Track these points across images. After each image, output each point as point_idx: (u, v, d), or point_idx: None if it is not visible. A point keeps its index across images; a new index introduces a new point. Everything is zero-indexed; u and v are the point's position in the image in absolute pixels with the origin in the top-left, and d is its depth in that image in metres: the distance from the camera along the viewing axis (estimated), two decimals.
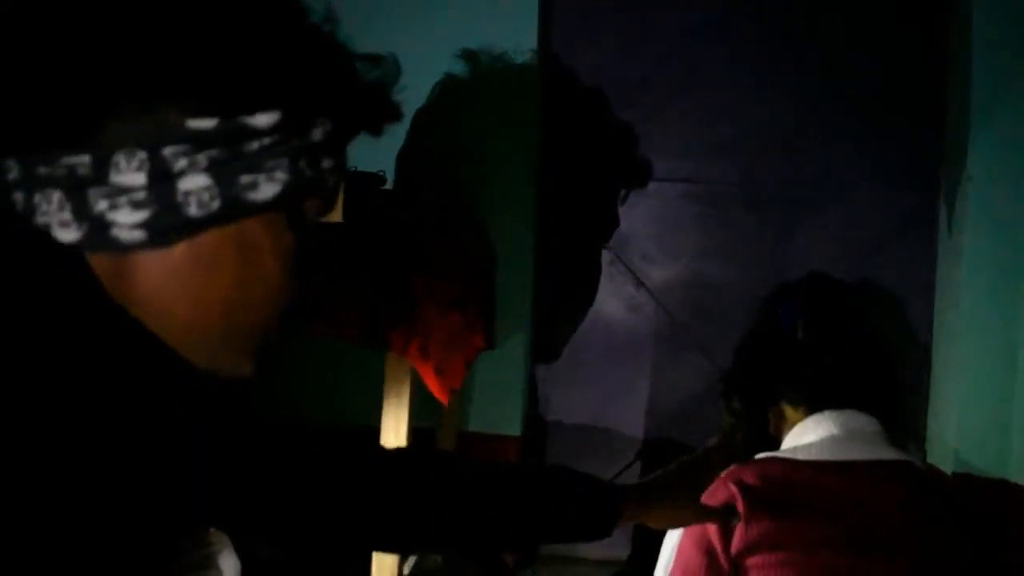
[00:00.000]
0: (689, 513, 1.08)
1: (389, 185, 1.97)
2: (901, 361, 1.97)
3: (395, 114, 0.68)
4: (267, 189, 0.62)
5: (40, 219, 0.60)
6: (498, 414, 2.28)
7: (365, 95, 0.66)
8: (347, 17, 0.69)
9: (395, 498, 0.91)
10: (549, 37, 2.30)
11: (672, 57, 2.29)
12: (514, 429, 2.29)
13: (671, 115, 2.30)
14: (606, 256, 2.35)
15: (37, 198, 0.60)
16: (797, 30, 2.24)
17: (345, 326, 1.65)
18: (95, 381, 0.61)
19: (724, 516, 1.13)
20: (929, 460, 2.11)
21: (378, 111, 0.68)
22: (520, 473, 1.02)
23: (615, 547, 2.33)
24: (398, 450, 1.02)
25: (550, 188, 2.31)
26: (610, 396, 2.35)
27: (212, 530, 1.53)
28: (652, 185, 2.32)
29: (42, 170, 0.60)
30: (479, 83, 2.19)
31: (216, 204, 0.61)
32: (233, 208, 0.62)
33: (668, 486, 1.07)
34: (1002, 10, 1.93)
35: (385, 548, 1.37)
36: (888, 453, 1.22)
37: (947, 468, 1.98)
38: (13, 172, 0.61)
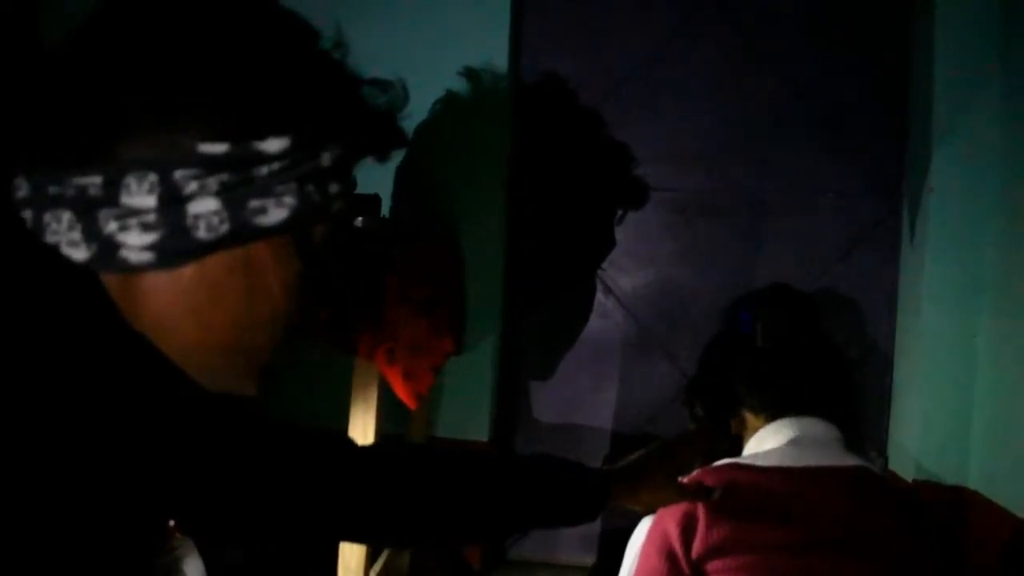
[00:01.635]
0: (671, 493, 1.10)
1: (385, 206, 1.96)
2: (860, 369, 2.01)
3: (402, 140, 0.69)
4: (276, 214, 0.63)
5: (49, 238, 0.61)
6: (466, 419, 2.29)
7: (374, 121, 0.67)
8: (319, 22, 0.69)
9: (379, 489, 0.91)
10: (520, 46, 2.32)
11: (641, 68, 2.31)
12: (482, 434, 2.29)
13: (639, 124, 2.32)
14: (575, 263, 2.37)
15: (47, 217, 0.61)
16: (764, 43, 2.27)
17: (312, 329, 1.64)
18: (98, 390, 0.61)
19: (703, 495, 1.13)
20: (891, 467, 2.14)
21: (386, 137, 0.69)
22: (506, 459, 1.02)
23: (581, 551, 2.34)
24: (383, 441, 1.02)
25: (520, 194, 2.32)
26: (578, 401, 2.36)
27: (176, 535, 1.52)
28: (620, 192, 2.34)
29: (52, 189, 0.60)
30: (450, 91, 2.20)
31: (225, 228, 0.62)
32: (242, 232, 0.62)
33: (650, 467, 1.09)
34: (963, 26, 1.97)
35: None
36: (846, 459, 1.24)
37: (908, 475, 2.01)
38: (22, 190, 0.61)
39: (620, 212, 2.34)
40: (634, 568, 1.24)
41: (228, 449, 0.79)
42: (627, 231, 2.35)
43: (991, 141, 1.93)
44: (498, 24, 2.24)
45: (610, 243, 2.35)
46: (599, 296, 2.36)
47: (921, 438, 1.99)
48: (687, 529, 1.17)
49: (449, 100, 2.20)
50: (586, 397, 2.36)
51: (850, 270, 2.24)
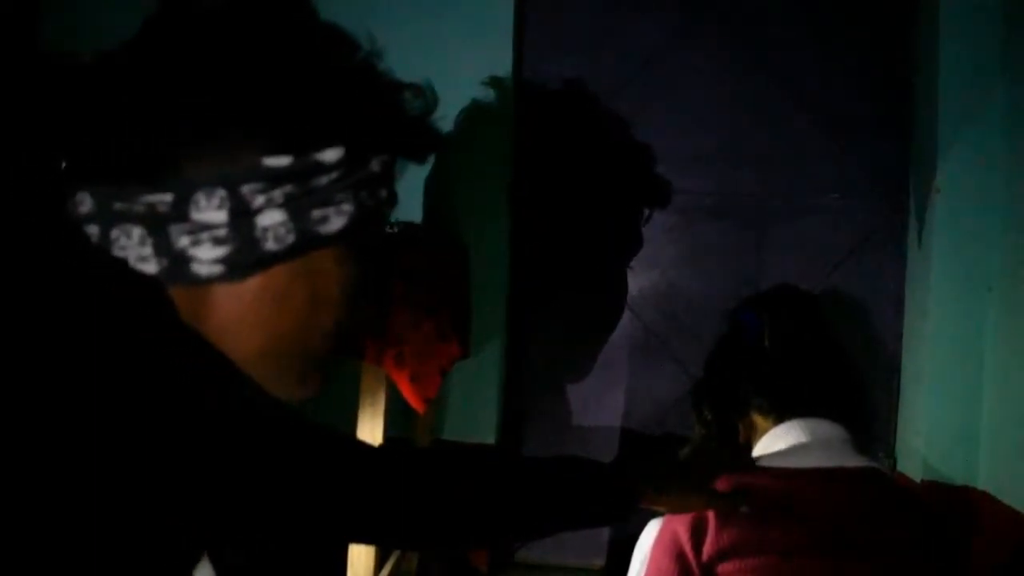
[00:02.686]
0: (702, 498, 1.09)
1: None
2: (867, 370, 2.01)
3: (440, 143, 0.72)
4: (336, 221, 0.65)
5: (117, 253, 0.62)
6: (473, 422, 2.29)
7: (414, 126, 0.70)
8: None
9: (396, 489, 0.90)
10: (522, 49, 2.32)
11: (643, 70, 2.31)
12: (489, 437, 2.29)
13: (642, 127, 2.32)
14: (579, 265, 2.37)
15: (115, 232, 0.62)
16: (768, 45, 2.27)
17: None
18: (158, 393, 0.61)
19: (733, 503, 1.12)
20: (899, 468, 2.13)
21: (425, 140, 0.71)
22: (528, 460, 1.01)
23: (589, 554, 2.34)
24: (394, 444, 1.01)
25: (524, 196, 2.32)
26: (584, 404, 2.36)
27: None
28: (625, 195, 2.34)
29: (119, 206, 0.62)
30: (452, 94, 2.20)
31: (291, 238, 0.64)
32: (306, 241, 0.64)
33: (683, 470, 1.09)
34: (967, 25, 1.97)
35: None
36: (855, 460, 1.23)
37: (916, 475, 2.00)
38: (86, 205, 0.63)
39: (624, 214, 2.34)
40: (643, 571, 1.23)
41: (253, 448, 0.79)
42: (631, 233, 2.34)
43: (997, 140, 1.93)
44: (501, 27, 2.24)
45: (614, 245, 2.35)
46: (604, 298, 2.36)
47: (929, 439, 1.99)
48: (696, 531, 1.16)
49: (452, 103, 2.20)
50: (592, 400, 2.36)
51: (856, 271, 2.24)
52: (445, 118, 0.73)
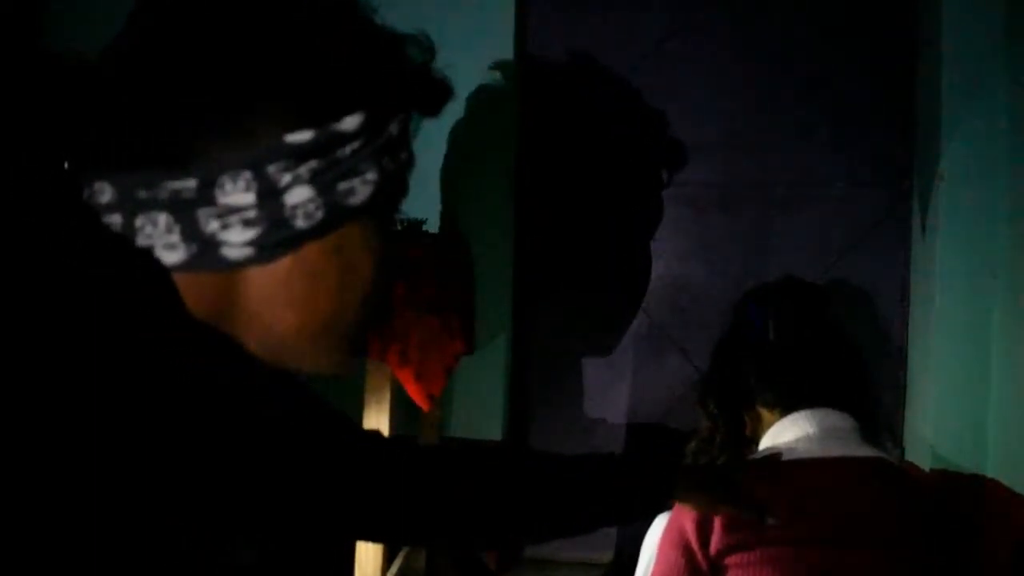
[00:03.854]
0: (731, 501, 1.09)
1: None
2: (873, 359, 2.00)
3: (450, 92, 0.70)
4: (362, 192, 0.64)
5: (142, 241, 0.61)
6: (479, 419, 2.29)
7: (423, 80, 0.68)
8: None
9: (415, 485, 0.89)
10: (525, 42, 2.31)
11: (646, 62, 2.31)
12: (495, 433, 2.29)
13: (646, 119, 2.31)
14: (584, 258, 2.36)
15: (140, 220, 0.61)
16: (771, 34, 2.26)
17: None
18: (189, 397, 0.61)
19: (759, 515, 1.11)
20: (908, 457, 2.13)
21: (435, 92, 0.69)
22: (577, 458, 1.00)
23: (598, 549, 2.33)
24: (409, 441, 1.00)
25: (528, 190, 2.32)
26: (591, 398, 2.36)
27: None
28: (629, 187, 2.33)
29: (143, 193, 0.60)
30: (455, 89, 2.19)
31: (320, 214, 0.63)
32: (336, 216, 0.63)
33: (719, 476, 1.10)
34: (970, 10, 1.96)
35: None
36: (863, 450, 1.23)
37: (925, 465, 2.00)
38: (107, 195, 0.62)
39: (628, 206, 2.33)
40: (651, 565, 1.23)
41: (256, 446, 0.78)
42: (636, 225, 2.34)
43: (1000, 126, 1.92)
44: (503, 19, 2.23)
45: (619, 237, 2.34)
46: (609, 291, 2.36)
47: (937, 428, 1.98)
48: (703, 524, 1.16)
49: (454, 98, 2.19)
50: (599, 393, 2.35)
51: (861, 260, 2.23)
52: (446, 111, 0.72)
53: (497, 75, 2.23)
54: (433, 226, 2.10)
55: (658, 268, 2.34)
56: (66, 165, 0.64)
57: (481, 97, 2.22)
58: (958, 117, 1.96)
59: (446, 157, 2.20)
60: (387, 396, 1.71)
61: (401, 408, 1.76)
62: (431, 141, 2.16)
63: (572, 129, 2.34)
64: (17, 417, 0.55)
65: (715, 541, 1.15)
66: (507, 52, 2.23)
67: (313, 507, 0.81)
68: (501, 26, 2.24)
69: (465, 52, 2.19)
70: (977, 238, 1.95)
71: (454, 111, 2.19)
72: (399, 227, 1.87)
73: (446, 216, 2.22)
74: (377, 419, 1.72)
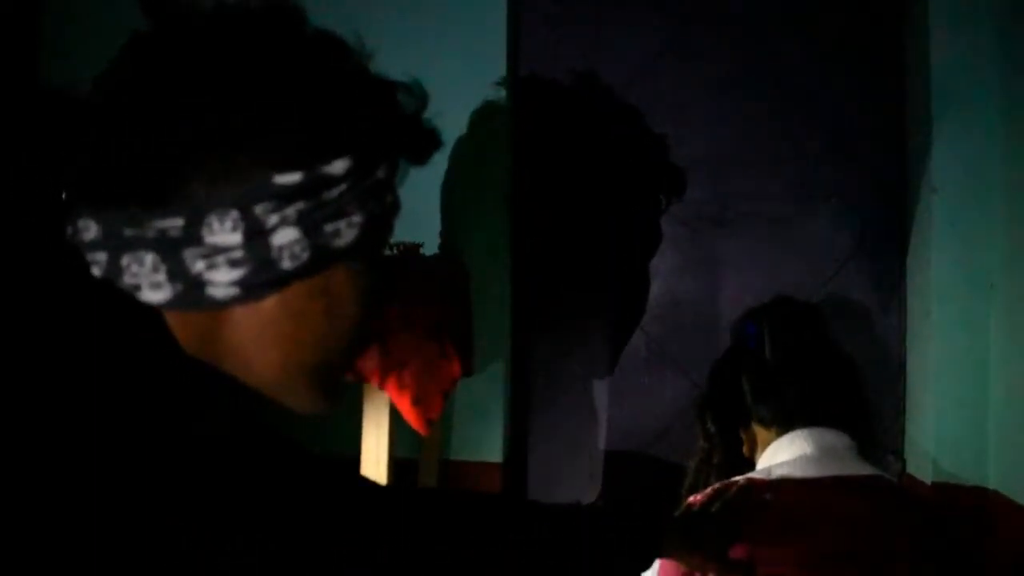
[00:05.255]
0: (713, 564, 1.09)
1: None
2: (869, 375, 2.00)
3: (439, 143, 0.71)
4: (348, 234, 0.64)
5: (128, 280, 0.61)
6: (480, 441, 2.27)
7: (412, 127, 0.69)
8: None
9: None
10: (517, 59, 2.32)
11: (637, 80, 2.32)
12: (496, 455, 2.28)
13: (640, 136, 2.32)
14: (582, 276, 2.36)
15: (126, 259, 0.61)
16: (763, 51, 2.27)
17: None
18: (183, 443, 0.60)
19: (746, 572, 1.12)
20: (909, 470, 2.12)
21: (425, 141, 0.70)
22: (560, 513, 1.00)
23: None
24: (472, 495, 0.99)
25: (524, 211, 2.32)
26: (590, 417, 2.35)
27: None
28: (625, 205, 2.34)
29: (129, 232, 0.61)
30: (449, 110, 2.20)
31: (306, 255, 0.63)
32: (322, 257, 0.64)
33: (707, 530, 1.10)
34: (958, 22, 1.97)
35: None
36: (860, 468, 1.23)
37: (926, 477, 1.99)
38: (92, 232, 0.61)
39: (625, 225, 2.33)
40: None
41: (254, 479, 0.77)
42: (633, 244, 2.34)
43: (992, 137, 1.93)
44: (496, 36, 2.24)
45: (616, 256, 2.35)
46: (607, 311, 2.35)
47: (938, 440, 1.98)
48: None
49: (446, 119, 2.20)
50: (600, 413, 2.35)
51: (857, 275, 2.23)
52: (440, 128, 0.72)
53: (490, 95, 2.23)
54: (429, 249, 2.11)
55: (655, 286, 2.34)
56: (63, 199, 0.64)
57: (475, 118, 2.22)
58: (949, 128, 1.97)
59: (441, 179, 2.20)
60: (386, 421, 1.71)
61: (401, 432, 1.75)
62: (426, 164, 2.16)
63: (566, 149, 2.34)
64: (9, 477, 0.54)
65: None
66: (500, 72, 2.23)
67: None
68: (493, 46, 2.24)
69: (457, 73, 2.19)
70: (972, 250, 1.95)
71: (448, 133, 2.18)
72: (395, 251, 1.87)
73: (442, 239, 2.22)
74: (376, 444, 1.71)
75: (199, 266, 0.61)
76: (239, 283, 0.62)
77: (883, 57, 2.22)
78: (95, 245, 0.62)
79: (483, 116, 2.22)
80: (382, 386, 1.63)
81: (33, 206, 0.66)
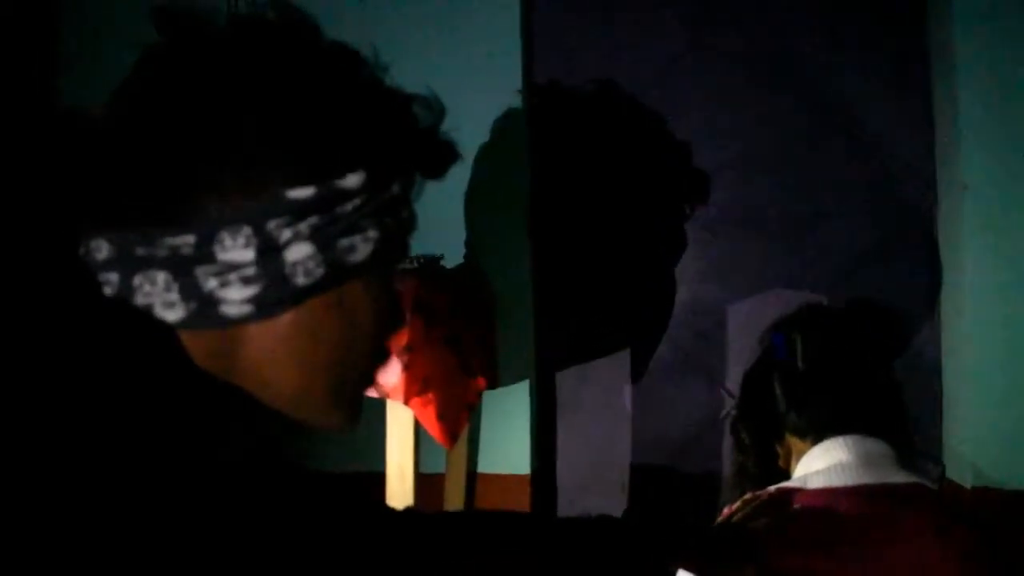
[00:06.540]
0: None
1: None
2: (906, 377, 1.96)
3: (456, 156, 0.70)
4: (363, 249, 0.63)
5: (141, 300, 0.61)
6: (507, 453, 2.26)
7: (429, 141, 0.68)
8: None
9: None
10: (532, 68, 2.30)
11: (655, 83, 2.29)
12: (523, 468, 2.26)
13: (660, 142, 2.29)
14: (604, 283, 2.34)
15: (138, 279, 0.60)
16: (784, 49, 2.24)
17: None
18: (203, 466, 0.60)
19: None
20: (948, 475, 2.07)
21: (442, 155, 0.69)
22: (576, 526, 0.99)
23: None
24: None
25: (544, 219, 2.30)
26: (619, 428, 2.32)
27: None
28: (646, 212, 2.31)
29: (140, 251, 0.60)
30: (465, 122, 2.18)
31: (321, 271, 0.62)
32: (336, 272, 0.63)
33: (730, 544, 1.08)
34: (983, 13, 1.93)
35: None
36: (900, 476, 1.19)
37: (966, 482, 1.94)
38: (103, 252, 0.61)
39: (646, 231, 2.31)
40: None
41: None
42: (655, 250, 2.31)
43: (1020, 130, 1.89)
44: (510, 43, 2.22)
45: (638, 263, 2.32)
46: (632, 318, 2.33)
47: (977, 443, 1.93)
48: None
49: (462, 127, 2.18)
50: (627, 422, 2.32)
51: (887, 275, 2.19)
52: (457, 139, 0.71)
53: (507, 105, 2.22)
54: (451, 261, 2.09)
55: (679, 293, 2.31)
56: (75, 219, 0.63)
57: (492, 128, 2.21)
58: (977, 123, 1.94)
59: (461, 192, 2.19)
60: (410, 437, 1.70)
61: (427, 447, 1.74)
62: (443, 179, 2.15)
63: (585, 156, 2.32)
64: (24, 494, 0.54)
65: None
66: (515, 82, 2.22)
67: None
68: (508, 55, 2.23)
69: (473, 84, 2.18)
70: (1005, 244, 1.92)
71: (465, 144, 2.17)
72: (415, 264, 1.86)
73: (463, 251, 2.21)
74: (401, 460, 1.70)
75: (212, 284, 0.60)
76: (253, 300, 0.61)
77: (907, 50, 2.18)
78: (107, 265, 0.61)
79: (500, 126, 2.21)
80: (406, 402, 1.62)
81: (46, 227, 0.66)
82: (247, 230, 0.60)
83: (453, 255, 2.17)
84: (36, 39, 2.28)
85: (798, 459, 1.26)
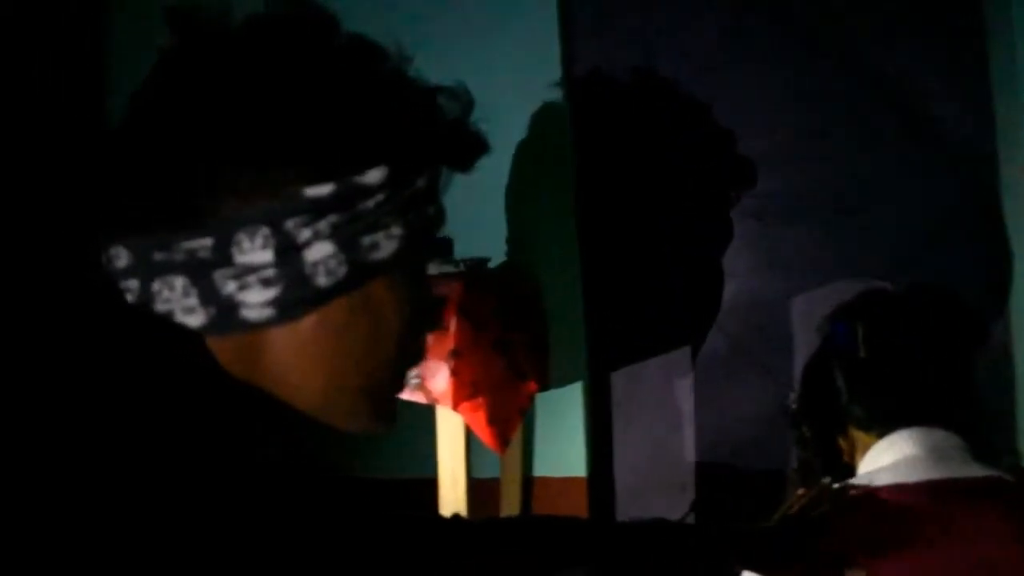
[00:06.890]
0: None
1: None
2: (974, 364, 1.89)
3: (485, 147, 0.67)
4: (387, 247, 0.62)
5: (161, 307, 0.60)
6: (562, 456, 2.24)
7: (456, 133, 0.66)
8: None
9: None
10: (573, 61, 2.27)
11: (702, 70, 2.24)
12: (579, 470, 2.23)
13: (706, 132, 2.24)
14: (654, 278, 2.30)
15: (156, 285, 0.60)
16: (828, 31, 2.18)
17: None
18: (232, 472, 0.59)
19: None
20: None
21: (469, 147, 0.67)
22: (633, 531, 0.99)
23: None
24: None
25: (590, 215, 2.27)
26: (676, 426, 2.28)
27: None
28: (693, 204, 2.27)
29: (158, 256, 0.59)
30: (505, 118, 2.16)
31: (343, 270, 0.61)
32: (360, 272, 0.61)
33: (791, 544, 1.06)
34: None
35: None
36: (975, 470, 1.14)
37: None
38: (122, 260, 0.60)
39: (695, 223, 2.26)
40: None
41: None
42: (704, 243, 2.27)
43: None
44: (548, 44, 2.20)
45: (688, 257, 2.27)
46: (685, 313, 2.28)
47: None
48: None
49: (502, 123, 2.16)
50: (683, 419, 2.27)
51: (948, 259, 2.10)
52: (497, 135, 0.68)
53: (547, 99, 2.20)
54: (496, 263, 2.08)
55: (731, 286, 2.25)
56: (96, 227, 0.63)
57: (534, 125, 2.19)
58: None
59: (504, 191, 2.18)
60: (461, 442, 1.69)
61: (481, 452, 1.72)
62: (486, 178, 2.13)
63: (629, 149, 2.28)
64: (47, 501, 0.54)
65: None
66: (554, 74, 2.20)
67: None
68: (546, 47, 2.21)
69: (511, 78, 2.16)
70: None
71: (506, 141, 2.16)
72: (460, 268, 1.84)
73: (509, 251, 2.19)
74: (452, 466, 1.70)
75: (230, 287, 0.59)
76: (273, 303, 0.60)
77: (961, 24, 2.10)
78: (127, 273, 0.60)
79: (541, 121, 2.19)
80: (455, 407, 1.61)
81: (69, 237, 0.66)
82: (265, 230, 0.59)
83: (499, 256, 2.15)
84: (84, 60, 2.32)
85: (863, 454, 1.21)
